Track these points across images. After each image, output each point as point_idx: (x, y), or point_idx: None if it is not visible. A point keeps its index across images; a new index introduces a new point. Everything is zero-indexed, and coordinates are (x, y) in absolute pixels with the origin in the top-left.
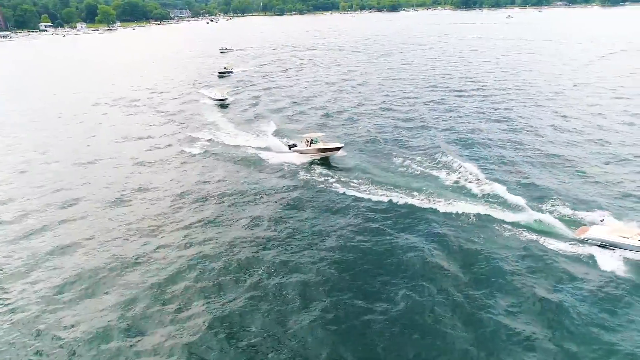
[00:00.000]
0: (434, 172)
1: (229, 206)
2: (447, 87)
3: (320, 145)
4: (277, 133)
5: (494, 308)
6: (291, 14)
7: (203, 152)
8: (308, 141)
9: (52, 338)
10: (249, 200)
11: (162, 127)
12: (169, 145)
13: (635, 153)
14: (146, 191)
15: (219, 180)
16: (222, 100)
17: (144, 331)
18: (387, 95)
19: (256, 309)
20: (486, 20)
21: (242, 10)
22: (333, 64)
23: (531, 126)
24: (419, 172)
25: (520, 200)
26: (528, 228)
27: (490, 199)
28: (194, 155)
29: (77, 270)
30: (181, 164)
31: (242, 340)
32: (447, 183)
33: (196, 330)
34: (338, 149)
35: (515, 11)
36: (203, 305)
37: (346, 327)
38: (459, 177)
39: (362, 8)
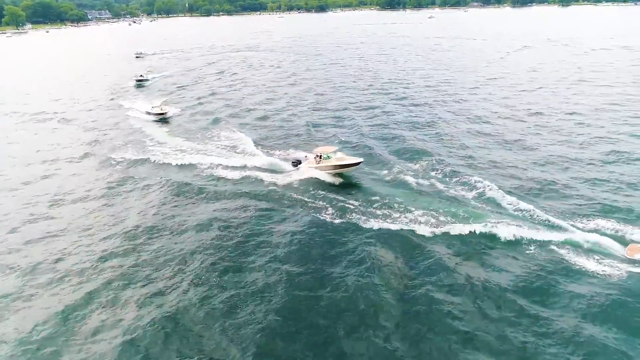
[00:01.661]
0: (453, 191)
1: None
2: (407, 88)
3: (334, 162)
4: (259, 147)
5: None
6: (219, 15)
7: (154, 178)
8: (318, 156)
9: None
10: (259, 242)
11: (97, 146)
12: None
13: None
14: (91, 230)
15: (191, 214)
16: (161, 114)
17: None
18: (341, 96)
19: None
20: (411, 20)
21: (167, 11)
22: (270, 65)
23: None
24: (440, 190)
25: (560, 219)
26: (576, 246)
27: (528, 217)
28: (140, 182)
29: None
30: (143, 195)
31: None
32: (476, 203)
33: None
34: (357, 164)
35: (436, 11)
36: None
37: None
38: (482, 195)
39: (290, 9)
